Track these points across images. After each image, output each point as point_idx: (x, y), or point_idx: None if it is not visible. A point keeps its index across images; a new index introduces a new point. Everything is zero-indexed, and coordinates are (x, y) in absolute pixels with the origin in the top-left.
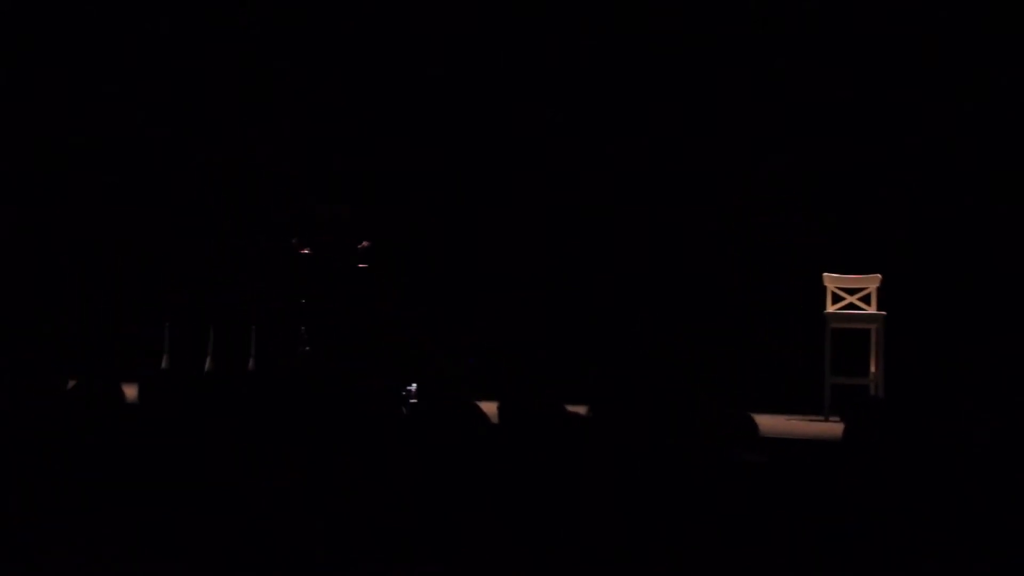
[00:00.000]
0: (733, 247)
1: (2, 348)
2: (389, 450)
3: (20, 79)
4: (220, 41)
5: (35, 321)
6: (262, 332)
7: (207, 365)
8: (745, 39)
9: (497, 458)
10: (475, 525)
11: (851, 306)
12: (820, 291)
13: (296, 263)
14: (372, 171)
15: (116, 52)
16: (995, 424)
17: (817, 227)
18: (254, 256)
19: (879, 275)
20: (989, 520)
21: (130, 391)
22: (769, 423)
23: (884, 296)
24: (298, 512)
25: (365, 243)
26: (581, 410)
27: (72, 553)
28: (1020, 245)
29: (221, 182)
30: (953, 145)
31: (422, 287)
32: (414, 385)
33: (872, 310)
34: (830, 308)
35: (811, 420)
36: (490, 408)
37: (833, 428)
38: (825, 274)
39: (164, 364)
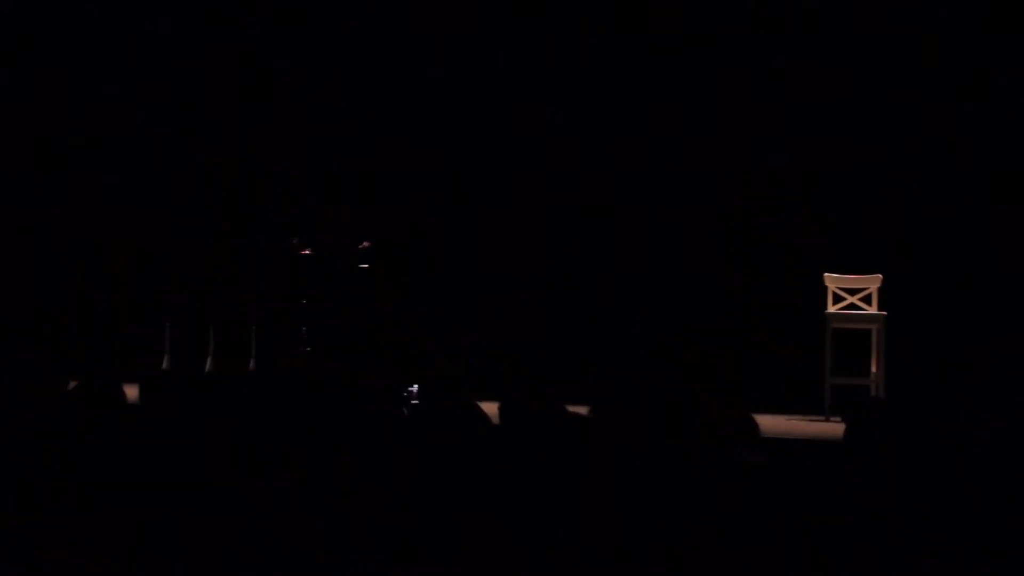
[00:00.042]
0: (733, 247)
1: (2, 348)
2: (389, 450)
3: (20, 79)
4: (220, 41)
5: (35, 321)
6: (262, 332)
7: (208, 365)
8: (745, 39)
9: (497, 458)
10: (475, 525)
11: (852, 306)
12: (821, 291)
13: (296, 263)
14: (372, 171)
15: (116, 52)
16: (995, 424)
17: (817, 227)
18: (254, 256)
19: (880, 275)
20: (989, 520)
21: (131, 391)
22: (769, 423)
23: (885, 296)
24: (298, 512)
25: (365, 243)
26: (581, 410)
27: (72, 553)
28: (1020, 245)
29: (221, 182)
30: (953, 145)
31: (422, 287)
32: (415, 386)
33: (873, 310)
34: (831, 308)
35: (812, 420)
36: (490, 408)
37: (834, 428)
38: (826, 274)
39: (165, 364)
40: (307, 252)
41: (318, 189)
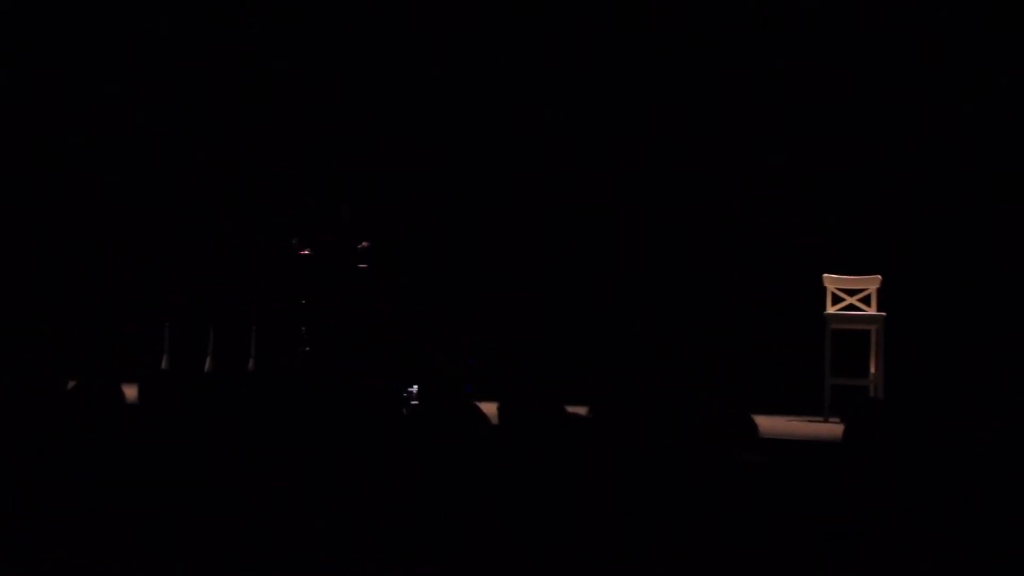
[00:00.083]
0: (733, 247)
1: (2, 348)
2: (389, 450)
3: (20, 79)
4: (220, 41)
5: (35, 321)
6: (262, 332)
7: (207, 365)
8: (745, 39)
9: (497, 458)
10: (475, 525)
11: (851, 307)
12: (820, 292)
13: (296, 263)
14: (372, 171)
15: (116, 52)
16: (995, 424)
17: (817, 227)
18: (254, 256)
19: (879, 276)
20: (989, 520)
21: (130, 391)
22: (769, 424)
23: (884, 297)
24: (298, 512)
25: (364, 243)
26: (581, 410)
27: (72, 553)
28: (1020, 245)
29: (221, 182)
30: (953, 145)
31: (422, 287)
32: (415, 387)
33: (872, 311)
34: (830, 309)
35: (811, 421)
36: (490, 408)
37: (833, 429)
38: (825, 275)
39: (164, 364)
40: (306, 252)
41: (318, 189)
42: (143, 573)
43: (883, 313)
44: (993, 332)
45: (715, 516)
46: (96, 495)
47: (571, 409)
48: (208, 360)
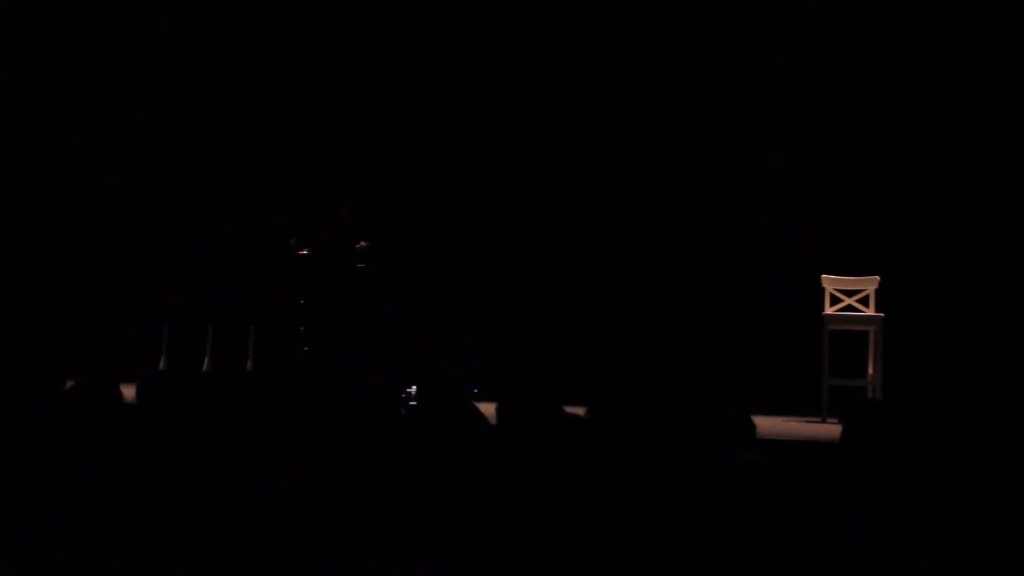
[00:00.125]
0: (733, 247)
1: (2, 348)
2: (389, 450)
3: (20, 79)
4: (220, 41)
5: (35, 321)
6: (261, 332)
7: (205, 365)
8: (745, 39)
9: (496, 459)
10: (475, 525)
11: (849, 308)
12: (818, 293)
13: (295, 263)
14: (372, 171)
15: (116, 52)
16: (994, 424)
17: (817, 227)
18: (253, 256)
19: (877, 277)
20: (988, 520)
21: (128, 391)
22: (767, 424)
23: (882, 298)
24: (298, 512)
25: (363, 243)
26: (581, 411)
27: (72, 553)
28: (1020, 245)
29: (221, 182)
30: (953, 145)
31: (422, 287)
32: (414, 388)
33: (870, 312)
34: (828, 310)
35: (809, 421)
36: (489, 409)
37: (831, 430)
38: (823, 276)
39: (162, 364)
40: (305, 252)
41: (318, 189)
42: (143, 573)
43: (881, 314)
44: (991, 333)
45: (714, 516)
46: (95, 495)
47: (570, 409)
48: (206, 360)
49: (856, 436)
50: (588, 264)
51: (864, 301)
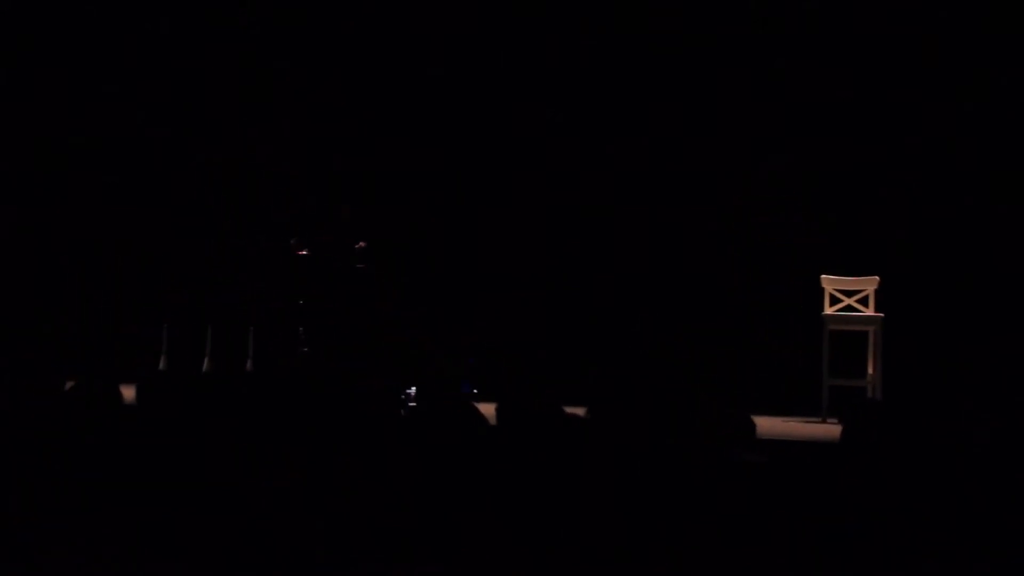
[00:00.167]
0: (732, 247)
1: (2, 348)
2: (389, 450)
3: (20, 79)
4: (220, 41)
5: (35, 321)
6: (260, 333)
7: (205, 366)
8: (745, 39)
9: (496, 459)
10: (475, 525)
11: (849, 308)
12: (818, 293)
13: (294, 263)
14: (372, 171)
15: (116, 52)
16: (994, 424)
17: (817, 227)
18: (253, 256)
19: (877, 277)
20: (988, 520)
21: (128, 392)
22: (767, 424)
23: (882, 298)
24: (297, 512)
25: (361, 243)
26: (580, 411)
27: (72, 553)
28: (1020, 245)
29: (221, 182)
30: (953, 145)
31: (422, 287)
32: (413, 388)
33: (870, 312)
34: (828, 310)
35: (809, 422)
36: (489, 409)
37: (831, 430)
38: (823, 276)
39: (162, 365)
40: (305, 252)
41: (318, 189)
42: (143, 573)
43: (881, 314)
44: (991, 333)
45: (714, 516)
46: (95, 495)
47: (570, 409)
48: (206, 360)
49: (856, 436)
50: (588, 264)
51: (864, 301)
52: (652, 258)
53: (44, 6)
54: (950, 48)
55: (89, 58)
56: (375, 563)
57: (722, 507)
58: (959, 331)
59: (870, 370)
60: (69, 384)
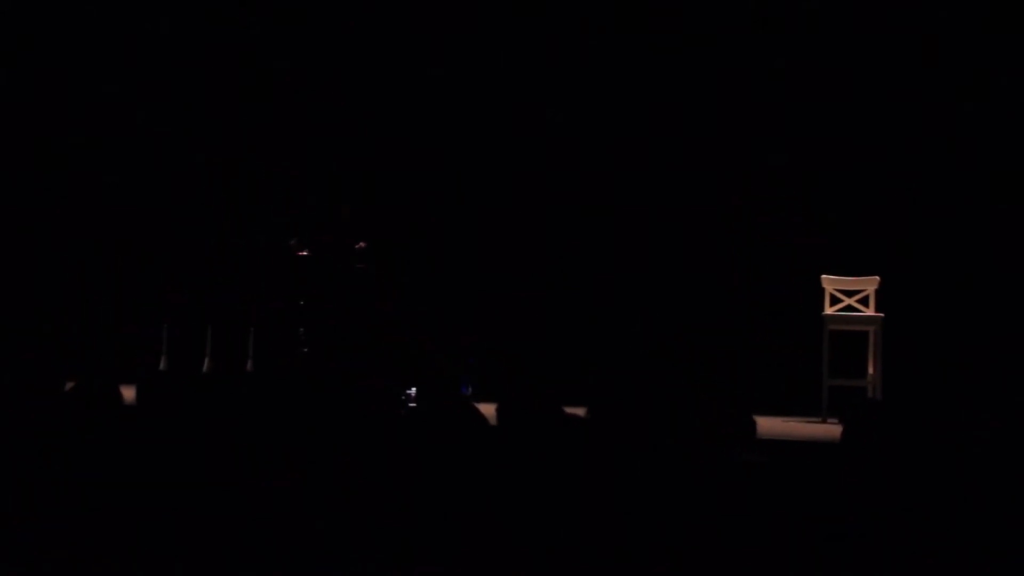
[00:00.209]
0: (733, 247)
1: (2, 348)
2: (389, 451)
3: (20, 79)
4: (220, 41)
5: (34, 321)
6: (260, 333)
7: (205, 366)
8: (745, 39)
9: (496, 459)
10: (475, 525)
11: (849, 308)
12: (818, 293)
13: (294, 264)
14: (372, 171)
15: (116, 52)
16: (995, 424)
17: (817, 227)
18: (253, 257)
19: (877, 277)
20: (988, 520)
21: (128, 392)
22: (767, 424)
23: (882, 298)
24: (297, 512)
25: (361, 244)
26: (580, 411)
27: (71, 553)
28: (1020, 245)
29: (221, 182)
30: (953, 145)
31: (422, 287)
32: (413, 389)
33: (870, 312)
34: (828, 310)
35: (809, 422)
36: (489, 409)
37: (831, 430)
38: (823, 276)
39: (162, 365)
40: (304, 253)
41: (318, 189)
42: (143, 573)
43: (881, 314)
44: (991, 333)
45: (714, 516)
46: (95, 495)
47: (570, 409)
48: (206, 360)
49: (856, 436)
50: (588, 264)
51: (864, 301)
52: (652, 258)
53: (44, 6)
54: (950, 48)
55: (89, 58)
56: (375, 563)
57: (722, 507)
58: (959, 331)
59: (870, 370)
60: (69, 384)
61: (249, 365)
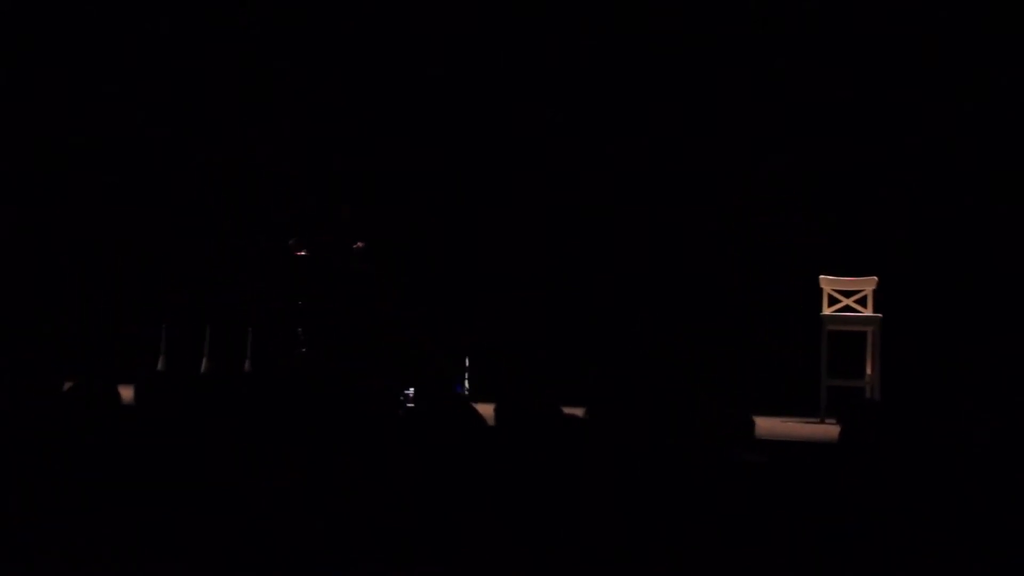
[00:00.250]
0: (733, 247)
1: (2, 348)
2: (388, 450)
3: (20, 79)
4: (220, 41)
5: (35, 321)
6: (259, 333)
7: (203, 366)
8: (745, 39)
9: (495, 459)
10: (475, 525)
11: (847, 308)
12: (817, 293)
13: (294, 264)
14: (372, 171)
15: (116, 52)
16: (995, 424)
17: (816, 227)
18: (253, 256)
19: (875, 278)
20: (987, 520)
21: (127, 392)
22: (766, 425)
23: (881, 298)
24: (297, 512)
25: (359, 244)
26: (580, 411)
27: (71, 553)
28: (1020, 245)
29: (221, 182)
30: (953, 145)
31: (421, 287)
32: (412, 389)
33: (868, 312)
34: (826, 310)
35: (807, 422)
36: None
37: (829, 430)
38: (822, 276)
39: (160, 365)
40: (304, 253)
41: (318, 189)
42: (143, 573)
43: (879, 314)
44: (990, 333)
45: (714, 516)
46: (95, 495)
47: (570, 409)
48: (205, 360)
49: (855, 436)
50: (588, 264)
51: (862, 302)
52: (652, 258)
53: (44, 6)
54: (950, 48)
55: (89, 58)
56: (374, 563)
57: (721, 507)
58: (958, 331)
59: (869, 370)
60: (68, 384)
61: (247, 365)
